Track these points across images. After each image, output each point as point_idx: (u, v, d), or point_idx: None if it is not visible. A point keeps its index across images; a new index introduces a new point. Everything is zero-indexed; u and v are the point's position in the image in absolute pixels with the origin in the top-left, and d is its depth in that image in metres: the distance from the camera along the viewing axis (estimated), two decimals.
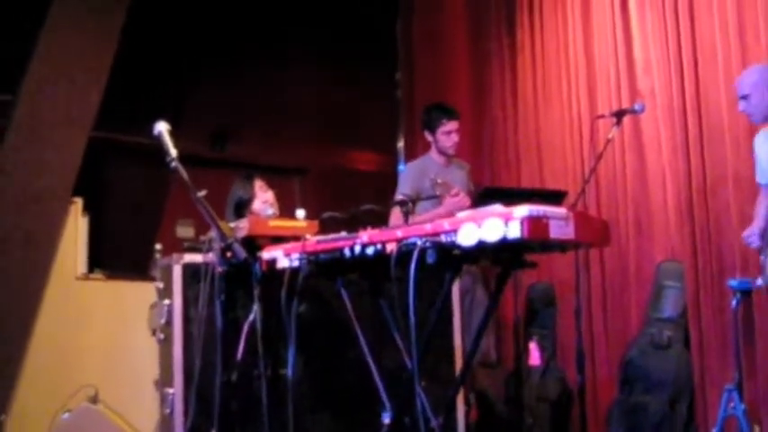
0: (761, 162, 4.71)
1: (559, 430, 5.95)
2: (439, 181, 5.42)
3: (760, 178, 4.77)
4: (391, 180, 6.90)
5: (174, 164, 3.57)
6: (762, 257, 4.52)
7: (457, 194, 5.40)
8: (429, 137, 5.88)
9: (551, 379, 6.09)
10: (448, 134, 5.79)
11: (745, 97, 4.57)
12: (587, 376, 5.89)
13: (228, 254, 3.48)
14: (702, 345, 5.43)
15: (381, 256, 3.08)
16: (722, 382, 4.85)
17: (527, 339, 6.30)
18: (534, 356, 6.17)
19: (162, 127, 3.65)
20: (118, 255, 6.56)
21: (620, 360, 5.69)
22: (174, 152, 3.60)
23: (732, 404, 4.64)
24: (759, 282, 4.53)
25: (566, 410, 5.98)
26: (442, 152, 5.84)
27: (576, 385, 5.45)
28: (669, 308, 5.59)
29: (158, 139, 3.64)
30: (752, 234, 4.59)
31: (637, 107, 5.27)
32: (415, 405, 2.96)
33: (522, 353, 6.26)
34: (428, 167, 5.82)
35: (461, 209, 3.65)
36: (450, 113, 5.82)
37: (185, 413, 3.94)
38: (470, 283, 5.62)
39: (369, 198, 5.25)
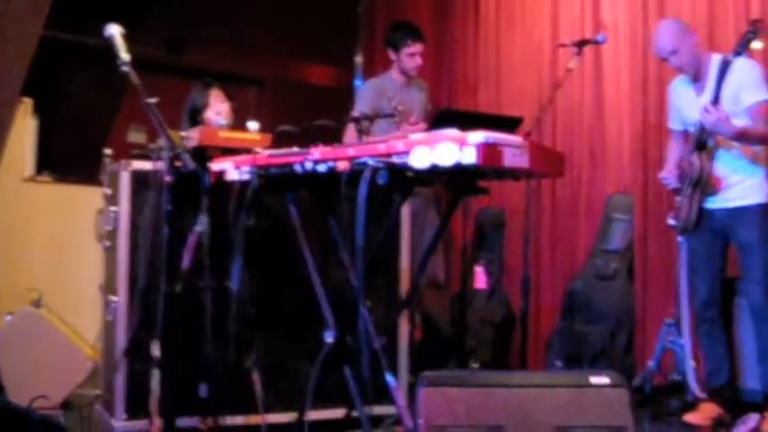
0: (676, 109, 4.78)
1: (500, 353, 6.03)
2: (400, 108, 5.37)
3: (672, 124, 4.84)
4: (349, 95, 6.84)
5: (125, 68, 3.48)
6: (677, 198, 4.58)
7: (416, 123, 5.36)
8: (392, 55, 5.80)
9: (496, 303, 6.16)
10: (412, 56, 5.72)
11: (674, 52, 4.56)
12: (531, 303, 5.96)
13: (178, 163, 3.42)
14: (646, 278, 5.52)
15: (332, 173, 3.05)
16: (663, 315, 4.93)
17: (474, 263, 6.34)
18: (480, 280, 6.22)
19: (114, 29, 3.54)
20: (68, 158, 6.45)
21: (564, 289, 5.76)
22: (125, 56, 3.50)
23: (670, 338, 4.72)
24: (671, 221, 4.60)
25: (508, 335, 6.06)
26: (403, 72, 5.78)
27: (519, 311, 5.51)
28: (616, 240, 5.65)
29: (110, 42, 3.53)
30: (668, 176, 4.67)
31: (599, 38, 5.24)
32: (358, 325, 2.95)
33: (469, 276, 6.30)
34: (387, 86, 5.76)
35: None
36: (417, 35, 5.74)
37: (128, 322, 3.91)
38: (422, 205, 5.60)
39: (326, 113, 5.20)
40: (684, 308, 4.64)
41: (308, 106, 7.39)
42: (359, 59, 8.10)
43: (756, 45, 4.31)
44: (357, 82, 7.88)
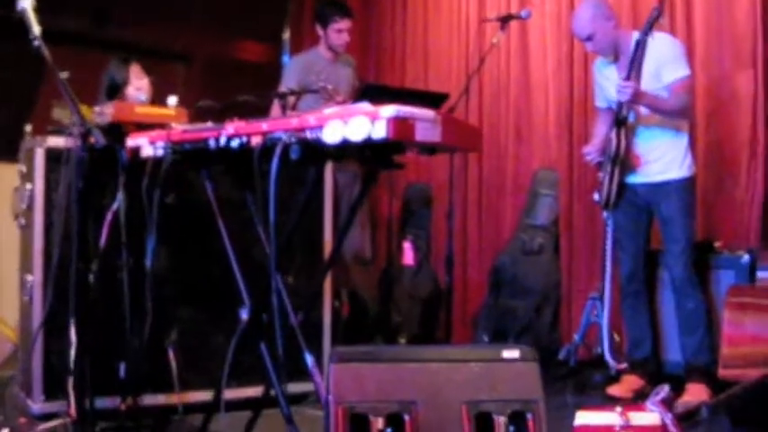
0: (600, 88, 4.83)
1: (428, 329, 6.05)
2: (329, 87, 5.34)
3: (598, 102, 4.90)
4: (277, 71, 6.78)
5: (37, 42, 3.39)
6: (600, 174, 4.63)
7: (343, 103, 5.32)
8: (320, 31, 5.78)
9: (423, 279, 6.17)
10: (339, 32, 5.70)
11: (590, 38, 4.60)
12: (459, 278, 6.00)
13: (91, 139, 3.35)
14: (572, 253, 5.57)
15: (246, 149, 3.00)
16: (588, 290, 4.97)
17: (402, 238, 6.35)
18: (408, 256, 6.23)
19: (26, 2, 3.45)
20: None
21: (491, 264, 5.78)
22: (37, 30, 3.41)
23: (595, 312, 4.77)
24: (596, 197, 4.65)
25: (435, 310, 6.08)
26: (330, 48, 5.76)
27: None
28: (542, 215, 5.69)
29: (21, 15, 3.44)
30: (591, 151, 4.72)
31: (523, 13, 5.24)
32: (272, 300, 2.92)
33: (396, 252, 6.31)
34: (315, 62, 5.74)
35: None
36: (345, 11, 5.72)
37: (44, 301, 3.84)
38: (350, 180, 5.59)
39: (254, 89, 5.15)
40: (607, 282, 4.68)
41: (236, 82, 7.30)
42: (287, 35, 8.02)
43: (660, 21, 4.35)
44: (285, 58, 7.81)
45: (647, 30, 4.32)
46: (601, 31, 4.57)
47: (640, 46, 4.33)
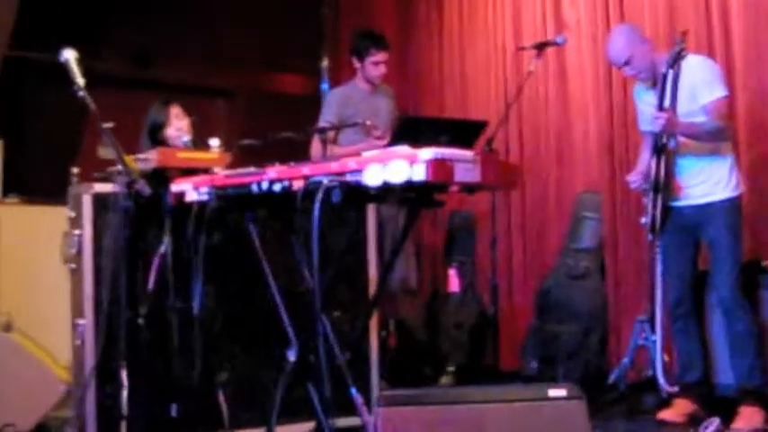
0: (642, 113, 4.81)
1: (475, 356, 6.04)
2: (367, 123, 5.37)
3: (641, 126, 4.87)
4: (317, 102, 6.84)
5: (80, 93, 3.48)
6: (645, 199, 4.61)
7: (382, 138, 5.35)
8: (357, 63, 5.80)
9: (469, 306, 6.15)
10: (376, 64, 5.72)
11: (628, 62, 4.60)
12: (505, 304, 6.00)
13: (136, 187, 3.42)
14: (618, 276, 5.54)
15: (288, 192, 3.06)
16: (635, 313, 4.92)
17: (447, 266, 6.35)
18: (453, 283, 6.22)
19: (69, 54, 3.55)
20: (36, 178, 6.42)
21: (537, 289, 5.77)
22: (81, 81, 3.51)
23: (644, 335, 4.73)
24: (643, 220, 4.63)
25: (482, 337, 6.06)
26: (368, 80, 5.78)
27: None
28: (587, 238, 5.65)
29: (65, 67, 3.53)
30: (636, 179, 4.70)
31: (558, 40, 5.25)
32: (318, 342, 2.96)
33: (442, 280, 6.31)
34: (353, 95, 5.77)
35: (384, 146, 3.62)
36: (381, 44, 5.74)
37: (95, 345, 3.90)
38: (394, 212, 5.61)
39: (294, 120, 5.20)
40: (657, 304, 4.65)
41: (278, 115, 7.39)
42: (325, 65, 8.10)
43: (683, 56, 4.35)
44: (324, 87, 7.88)
45: (671, 63, 4.31)
46: (638, 54, 4.57)
47: (667, 78, 4.32)
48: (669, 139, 4.45)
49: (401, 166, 2.69)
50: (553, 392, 2.68)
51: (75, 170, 5.16)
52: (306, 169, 3.01)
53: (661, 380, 4.59)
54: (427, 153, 2.66)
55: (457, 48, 6.86)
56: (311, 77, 8.27)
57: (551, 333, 5.50)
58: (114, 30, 7.19)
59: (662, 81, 4.36)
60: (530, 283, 6.07)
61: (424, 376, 5.88)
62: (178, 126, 4.62)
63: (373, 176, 2.76)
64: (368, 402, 3.28)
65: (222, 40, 7.75)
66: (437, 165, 2.64)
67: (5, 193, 5.79)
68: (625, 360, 4.81)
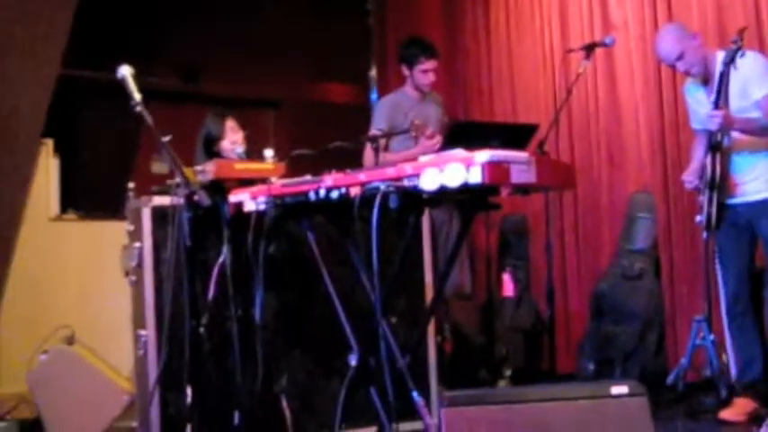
0: (694, 111, 4.80)
1: (532, 360, 6.04)
2: (416, 122, 5.40)
3: (693, 124, 4.85)
4: (365, 111, 6.88)
5: (138, 108, 3.55)
6: (700, 198, 4.59)
7: (432, 137, 5.39)
8: (406, 71, 5.81)
9: (524, 310, 6.16)
10: (425, 72, 5.73)
11: (680, 58, 4.58)
12: (561, 307, 5.99)
13: (195, 198, 3.49)
14: (673, 276, 5.51)
15: (345, 199, 3.10)
16: (692, 313, 4.91)
17: (501, 271, 6.36)
18: (508, 288, 6.23)
19: (125, 71, 3.61)
20: (92, 194, 6.54)
21: (592, 291, 5.76)
22: (137, 96, 3.58)
23: (701, 335, 4.71)
24: (698, 218, 4.61)
25: (538, 341, 6.06)
26: (417, 88, 5.81)
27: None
28: (641, 239, 5.64)
29: (122, 83, 3.61)
30: (691, 179, 4.68)
31: (607, 40, 5.25)
32: (379, 346, 2.99)
33: (496, 284, 6.32)
34: (402, 102, 5.80)
35: (436, 151, 3.65)
36: (430, 52, 5.75)
37: (158, 355, 3.97)
38: (447, 217, 5.64)
39: (343, 129, 5.24)
40: (723, 303, 4.64)
41: (325, 124, 7.45)
42: (373, 74, 8.15)
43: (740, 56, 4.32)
44: (373, 96, 7.93)
45: (729, 61, 4.29)
46: (689, 50, 4.56)
47: (724, 77, 4.30)
48: (723, 137, 4.43)
49: (458, 169, 2.71)
50: (616, 389, 2.69)
51: (131, 185, 5.24)
52: (362, 176, 3.05)
53: (721, 380, 4.56)
54: (483, 155, 2.68)
55: (505, 51, 6.87)
56: (359, 86, 8.32)
57: (608, 335, 5.49)
58: (162, 45, 7.29)
59: (718, 79, 4.34)
60: (584, 286, 6.05)
61: (481, 381, 5.87)
62: (233, 139, 4.69)
63: (430, 181, 2.79)
64: (428, 407, 3.29)
65: (268, 51, 7.82)
66: (493, 167, 2.67)
67: (63, 210, 5.91)
68: (683, 360, 4.78)
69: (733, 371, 4.72)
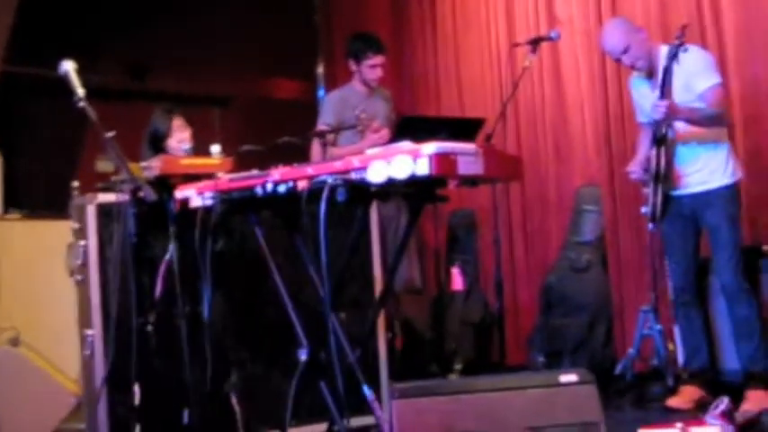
0: (638, 105, 4.85)
1: (482, 354, 6.06)
2: (362, 116, 5.40)
3: (638, 117, 4.92)
4: (313, 107, 6.87)
5: (81, 104, 3.49)
6: (645, 190, 4.65)
7: (378, 130, 5.39)
8: (353, 66, 5.80)
9: (474, 304, 6.19)
10: (373, 68, 5.71)
11: (625, 51, 4.61)
12: (510, 300, 6.02)
13: (140, 194, 3.44)
14: (620, 267, 5.57)
15: (293, 193, 3.08)
16: (639, 303, 4.96)
17: (450, 265, 6.38)
18: (457, 282, 6.26)
19: (68, 66, 3.56)
20: (36, 193, 6.45)
21: (540, 284, 5.80)
22: (81, 92, 3.52)
23: (648, 324, 4.77)
24: (643, 210, 4.67)
25: (488, 334, 6.09)
26: (365, 83, 5.79)
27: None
28: (588, 232, 5.69)
29: (65, 79, 3.55)
30: (635, 169, 4.72)
31: (553, 35, 5.29)
32: (329, 341, 2.98)
33: (445, 279, 6.34)
34: (350, 97, 5.78)
35: (383, 144, 3.65)
36: (377, 47, 5.73)
37: (105, 355, 3.92)
38: (395, 211, 5.63)
39: (292, 126, 5.21)
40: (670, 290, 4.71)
41: (273, 121, 7.39)
42: (320, 71, 8.13)
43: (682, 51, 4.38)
44: (320, 93, 7.91)
45: (672, 56, 4.34)
46: (635, 43, 4.60)
47: (668, 72, 4.36)
48: (667, 130, 4.48)
49: (405, 161, 2.71)
50: (564, 378, 2.71)
51: (75, 183, 5.17)
52: (310, 169, 3.04)
53: (667, 369, 4.62)
54: (430, 147, 2.69)
55: (451, 46, 6.89)
56: (306, 83, 8.30)
57: (557, 327, 5.54)
58: (108, 42, 7.20)
59: (662, 73, 4.38)
60: (533, 279, 6.09)
61: (431, 375, 5.89)
62: (180, 137, 4.63)
63: (377, 173, 2.79)
64: (378, 401, 3.29)
65: (215, 49, 7.77)
66: (441, 158, 2.67)
67: (6, 210, 5.81)
68: (631, 350, 4.84)
69: (680, 359, 4.78)
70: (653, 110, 4.38)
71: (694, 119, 4.44)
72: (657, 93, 4.41)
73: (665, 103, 4.31)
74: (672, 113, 4.34)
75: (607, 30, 4.80)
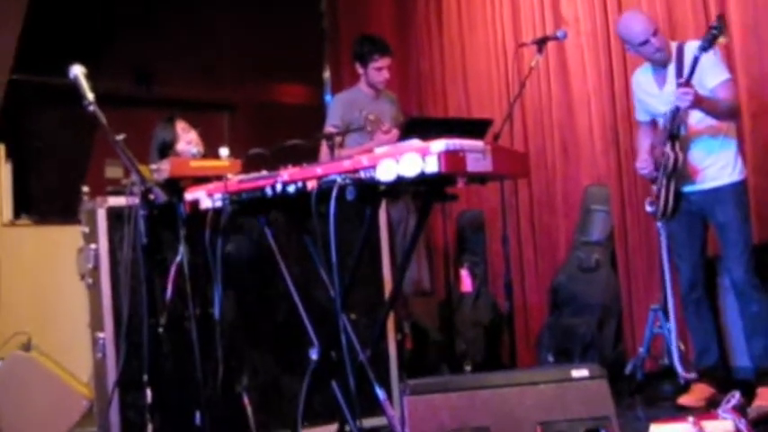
0: (641, 102, 4.85)
1: (492, 354, 6.06)
2: (371, 117, 5.40)
3: (638, 115, 4.92)
4: (320, 112, 6.88)
5: (91, 108, 3.51)
6: (654, 187, 4.64)
7: (388, 131, 5.39)
8: (360, 69, 5.81)
9: (483, 305, 6.19)
10: (379, 70, 5.73)
11: (655, 33, 4.56)
12: (519, 300, 6.02)
13: (151, 196, 3.45)
14: (629, 267, 5.56)
15: (302, 193, 3.09)
16: (648, 302, 4.96)
17: (459, 267, 6.38)
18: (466, 283, 6.26)
19: (77, 70, 3.56)
20: (46, 199, 6.47)
21: (549, 284, 5.80)
22: (90, 96, 3.52)
23: (658, 323, 4.76)
24: (648, 208, 4.66)
25: (498, 335, 6.09)
26: (371, 86, 5.81)
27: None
28: (596, 231, 5.69)
29: (74, 83, 3.56)
30: (645, 165, 4.68)
31: (559, 34, 5.30)
32: (340, 341, 2.99)
33: (454, 280, 6.34)
34: (357, 99, 5.79)
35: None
36: (384, 50, 5.75)
37: (117, 357, 3.93)
38: (404, 213, 5.64)
39: (299, 130, 5.23)
40: (669, 292, 4.68)
41: (280, 126, 7.44)
42: (327, 75, 8.15)
43: (721, 40, 4.34)
44: (327, 97, 7.92)
45: (706, 46, 4.26)
46: (659, 29, 4.61)
47: (696, 61, 4.30)
48: (680, 127, 4.47)
49: (414, 159, 2.72)
50: (576, 373, 2.71)
51: (85, 189, 5.19)
52: (319, 169, 3.05)
53: (678, 367, 4.61)
54: (439, 145, 2.70)
55: (457, 47, 6.91)
56: (313, 87, 8.32)
57: (566, 327, 5.53)
58: (113, 48, 7.23)
59: (692, 62, 4.32)
60: (542, 279, 6.10)
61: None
62: (187, 139, 4.63)
63: (386, 171, 2.80)
64: (389, 401, 3.29)
65: (222, 53, 7.80)
66: (449, 156, 2.68)
67: (17, 216, 5.84)
68: (641, 349, 4.83)
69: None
70: (679, 98, 4.31)
71: (715, 110, 4.42)
72: (682, 82, 4.35)
73: (691, 90, 4.28)
74: (697, 102, 4.32)
75: (629, 19, 4.74)
